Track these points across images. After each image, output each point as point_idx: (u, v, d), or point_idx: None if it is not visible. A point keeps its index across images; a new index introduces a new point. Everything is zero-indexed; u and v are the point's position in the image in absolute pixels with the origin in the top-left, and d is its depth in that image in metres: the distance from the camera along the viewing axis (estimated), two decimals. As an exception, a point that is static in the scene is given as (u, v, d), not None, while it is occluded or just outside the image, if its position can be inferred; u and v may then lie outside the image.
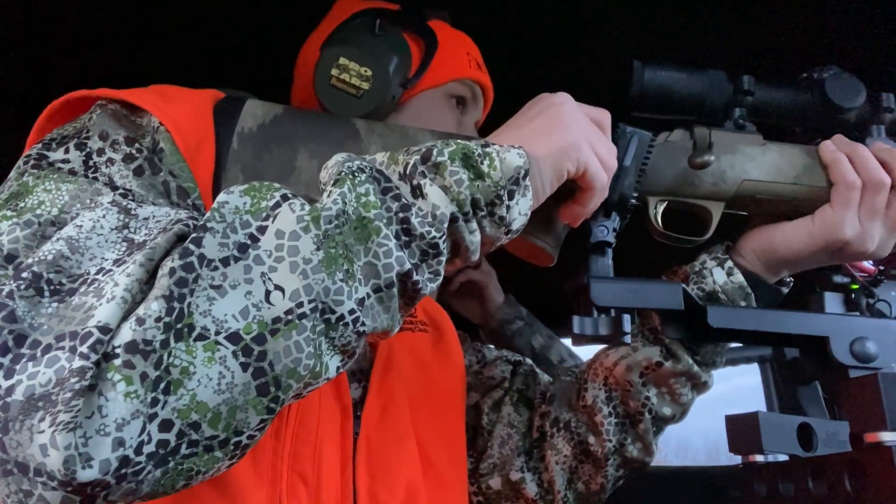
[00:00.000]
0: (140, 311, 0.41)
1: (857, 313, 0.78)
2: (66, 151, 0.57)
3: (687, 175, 0.73)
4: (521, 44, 1.08)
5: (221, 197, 0.47)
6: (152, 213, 0.49)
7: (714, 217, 0.74)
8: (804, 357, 0.77)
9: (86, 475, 0.38)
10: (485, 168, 0.53)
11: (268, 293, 0.44)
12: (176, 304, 0.41)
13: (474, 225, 0.54)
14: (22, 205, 0.51)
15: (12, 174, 0.55)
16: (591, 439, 0.85)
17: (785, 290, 0.79)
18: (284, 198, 0.47)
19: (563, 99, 0.63)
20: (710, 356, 0.80)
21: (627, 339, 0.67)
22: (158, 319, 0.40)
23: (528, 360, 1.01)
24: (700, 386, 0.82)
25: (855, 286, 0.79)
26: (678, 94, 0.73)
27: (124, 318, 0.41)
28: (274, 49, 0.86)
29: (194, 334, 0.42)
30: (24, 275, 0.43)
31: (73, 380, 0.38)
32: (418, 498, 0.71)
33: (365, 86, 0.73)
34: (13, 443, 0.39)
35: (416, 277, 0.50)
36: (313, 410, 0.63)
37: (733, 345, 0.87)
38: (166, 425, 0.40)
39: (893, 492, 0.48)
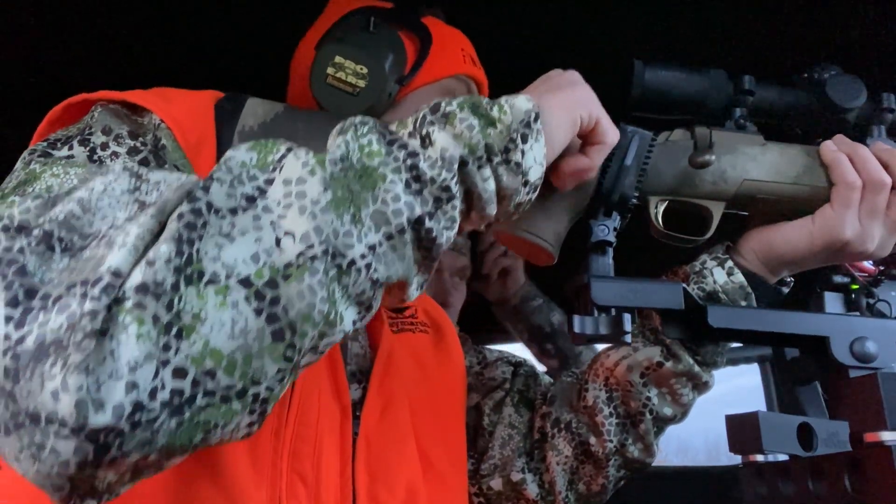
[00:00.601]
0: (150, 254, 0.40)
1: (857, 313, 0.78)
2: (70, 148, 0.57)
3: (687, 175, 0.73)
4: (521, 43, 1.09)
5: (228, 153, 0.47)
6: (164, 177, 0.49)
7: (714, 217, 0.74)
8: (804, 357, 0.77)
9: (98, 420, 0.37)
10: (495, 114, 0.53)
11: (278, 240, 0.43)
12: (185, 248, 0.41)
13: (488, 172, 0.52)
14: (30, 189, 0.50)
15: (18, 166, 0.55)
16: (592, 440, 0.85)
17: (785, 289, 0.79)
18: (289, 150, 0.48)
19: (573, 72, 0.64)
20: (710, 356, 0.81)
21: (628, 338, 0.67)
22: (168, 261, 0.40)
23: (529, 362, 1.02)
24: (701, 386, 0.82)
25: (855, 286, 0.79)
26: (679, 93, 0.73)
27: (135, 264, 0.40)
28: (270, 49, 0.86)
29: (204, 279, 0.41)
30: (36, 232, 0.42)
31: (83, 322, 0.38)
32: (418, 498, 0.71)
33: (361, 83, 0.73)
34: (24, 392, 0.38)
35: (429, 225, 0.49)
36: (313, 410, 0.64)
37: (733, 345, 0.87)
38: (180, 372, 0.39)
39: (893, 491, 0.48)
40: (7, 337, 0.39)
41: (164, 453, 0.40)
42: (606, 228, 0.71)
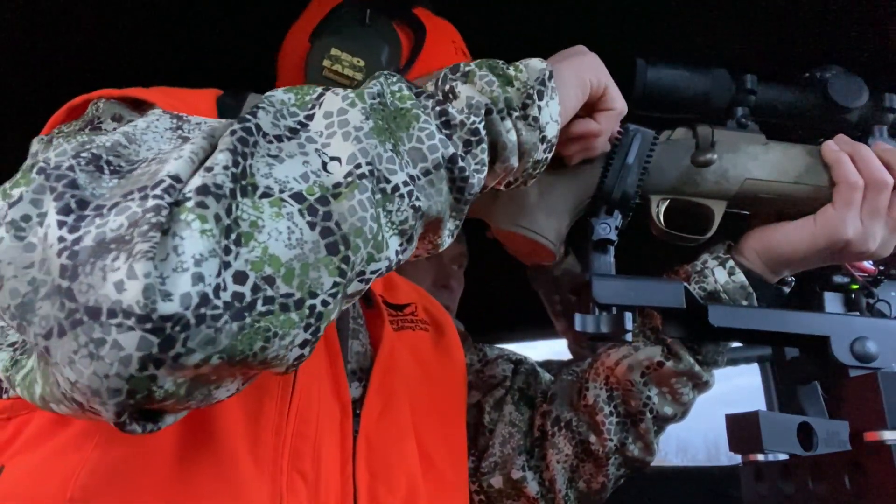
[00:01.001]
0: (207, 161, 0.41)
1: (858, 313, 0.79)
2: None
3: (689, 173, 0.74)
4: (523, 42, 1.09)
5: (266, 94, 0.48)
6: (203, 119, 0.50)
7: (716, 216, 0.75)
8: (804, 357, 0.77)
9: (166, 307, 0.36)
10: (511, 73, 0.56)
11: (324, 164, 0.45)
12: (240, 160, 0.42)
13: (510, 124, 0.54)
14: None
15: (37, 148, 0.54)
16: (593, 438, 0.86)
17: (786, 289, 0.80)
18: (326, 89, 0.49)
19: (580, 46, 0.66)
20: (711, 356, 0.81)
21: (629, 336, 0.67)
22: (226, 168, 0.40)
23: (530, 360, 1.02)
24: (701, 386, 0.82)
25: (855, 286, 0.80)
26: (681, 92, 0.74)
27: (193, 172, 0.41)
28: (268, 48, 0.86)
29: (258, 192, 0.42)
30: (84, 154, 0.42)
31: (148, 215, 0.38)
32: (419, 497, 0.71)
33: (358, 76, 0.73)
34: (83, 287, 0.37)
35: (461, 164, 0.51)
36: (313, 408, 0.64)
37: (734, 344, 0.88)
38: (240, 277, 0.39)
39: (893, 491, 0.49)
40: (62, 239, 0.38)
41: (225, 358, 0.40)
42: (608, 227, 0.71)
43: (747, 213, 0.78)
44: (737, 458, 0.68)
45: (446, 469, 0.78)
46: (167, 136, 0.47)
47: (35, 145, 0.56)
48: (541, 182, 0.69)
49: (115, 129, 0.58)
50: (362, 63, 0.73)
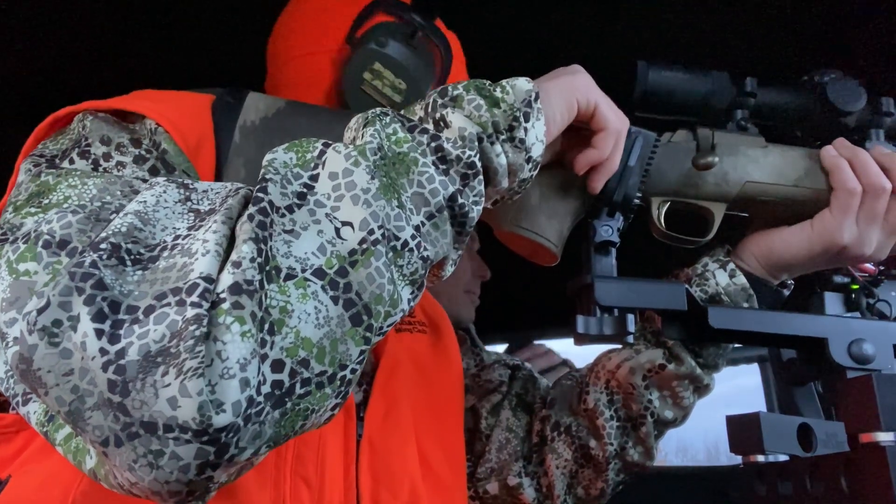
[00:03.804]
0: (233, 256, 0.43)
1: (857, 313, 0.81)
2: (71, 162, 0.58)
3: (690, 176, 0.76)
4: (525, 44, 1.10)
5: (268, 156, 0.49)
6: (209, 185, 0.51)
7: (716, 218, 0.77)
8: (801, 358, 0.79)
9: (221, 420, 0.38)
10: (498, 94, 0.57)
11: (337, 230, 0.47)
12: (262, 246, 0.43)
13: (499, 148, 0.56)
14: (46, 201, 0.51)
15: (23, 178, 0.56)
16: (593, 443, 0.88)
17: (786, 292, 0.82)
18: (326, 145, 0.51)
19: (574, 66, 0.67)
20: (712, 358, 0.83)
21: (630, 338, 0.69)
22: (252, 260, 0.42)
23: (527, 365, 1.03)
24: (702, 389, 0.85)
25: (855, 286, 0.82)
26: (682, 95, 0.76)
27: (221, 268, 0.42)
28: (262, 43, 0.86)
29: (282, 274, 0.44)
30: (103, 246, 0.43)
31: (191, 328, 0.39)
32: (420, 501, 0.72)
33: (396, 98, 0.73)
34: (136, 403, 0.39)
35: (461, 201, 0.53)
36: None
37: (734, 345, 0.89)
38: (278, 365, 0.42)
39: (887, 491, 0.51)
40: (104, 351, 0.39)
41: (271, 445, 0.43)
42: (610, 229, 0.73)
43: (747, 215, 0.80)
44: (737, 459, 0.70)
45: (445, 472, 0.79)
46: (178, 211, 0.48)
47: (21, 174, 0.56)
48: (542, 184, 0.71)
49: (104, 153, 0.59)
50: (404, 86, 0.73)
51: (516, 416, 0.96)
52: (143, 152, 0.60)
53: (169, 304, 0.41)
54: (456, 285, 1.28)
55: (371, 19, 0.78)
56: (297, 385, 0.43)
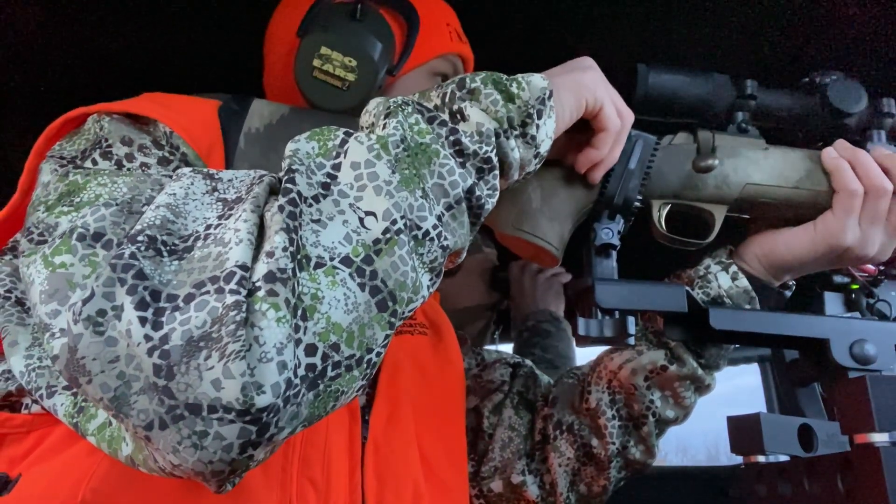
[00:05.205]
0: (266, 246, 0.45)
1: (858, 313, 0.82)
2: (94, 163, 0.59)
3: (690, 178, 0.76)
4: (525, 46, 1.11)
5: (290, 145, 0.51)
6: (233, 174, 0.53)
7: (717, 220, 0.78)
8: (803, 359, 0.80)
9: (263, 400, 0.41)
10: (514, 90, 0.58)
11: (361, 220, 0.49)
12: (293, 236, 0.45)
13: (513, 143, 0.58)
14: (78, 200, 0.53)
15: (49, 178, 0.57)
16: (595, 442, 0.89)
17: (788, 293, 0.83)
18: (348, 134, 0.52)
19: (587, 58, 0.68)
20: (714, 359, 0.84)
21: (631, 340, 0.70)
22: (285, 249, 0.44)
23: (528, 362, 1.04)
24: (703, 389, 0.86)
25: (855, 286, 0.83)
26: (682, 97, 0.76)
27: (255, 257, 0.44)
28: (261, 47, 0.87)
29: (312, 263, 0.46)
30: (140, 238, 0.45)
31: (231, 313, 0.41)
32: (423, 502, 0.73)
33: (350, 77, 0.73)
34: (181, 386, 0.41)
35: (478, 192, 0.55)
36: None
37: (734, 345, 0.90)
38: (311, 349, 0.44)
39: (881, 491, 0.52)
40: (148, 337, 0.41)
41: (307, 424, 0.46)
42: (611, 231, 0.74)
43: (748, 217, 0.81)
44: (737, 458, 0.71)
45: (446, 474, 0.80)
46: (207, 202, 0.50)
47: (46, 174, 0.57)
48: (543, 187, 0.72)
49: (126, 154, 0.60)
50: (354, 63, 0.73)
51: (518, 414, 0.97)
52: (166, 154, 0.62)
53: (208, 292, 0.43)
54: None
55: (318, 8, 0.77)
56: (329, 368, 0.45)
